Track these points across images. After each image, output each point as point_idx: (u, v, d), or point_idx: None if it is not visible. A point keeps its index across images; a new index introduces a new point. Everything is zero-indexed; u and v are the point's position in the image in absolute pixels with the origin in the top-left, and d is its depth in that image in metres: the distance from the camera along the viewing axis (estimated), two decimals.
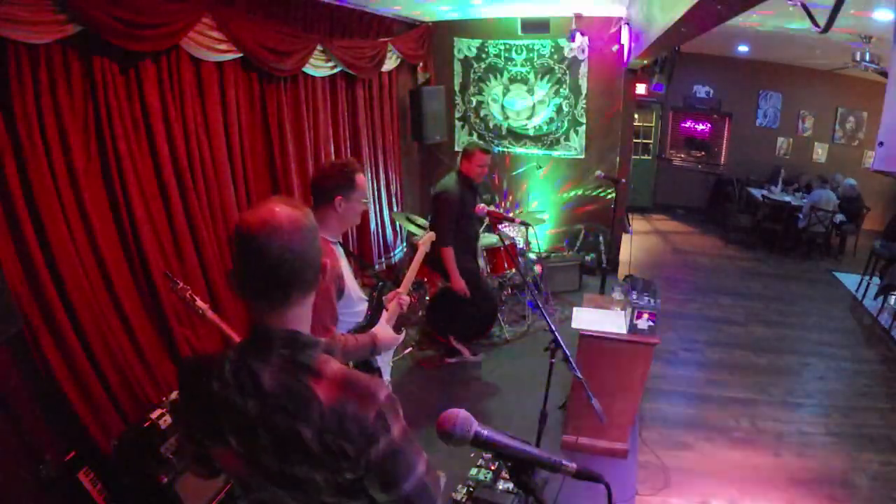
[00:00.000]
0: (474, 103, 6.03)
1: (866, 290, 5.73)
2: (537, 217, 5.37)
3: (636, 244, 6.38)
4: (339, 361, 1.03)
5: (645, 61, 5.23)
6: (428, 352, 4.26)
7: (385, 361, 2.28)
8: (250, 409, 0.98)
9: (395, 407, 0.99)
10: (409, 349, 4.29)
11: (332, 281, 1.91)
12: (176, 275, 2.95)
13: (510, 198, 6.09)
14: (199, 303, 2.20)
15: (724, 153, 9.09)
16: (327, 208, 1.95)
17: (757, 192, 7.90)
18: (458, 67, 5.93)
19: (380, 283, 2.26)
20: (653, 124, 9.15)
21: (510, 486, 2.62)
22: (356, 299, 2.09)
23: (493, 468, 2.82)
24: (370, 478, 0.97)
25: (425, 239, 2.64)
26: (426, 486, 1.02)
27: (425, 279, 4.60)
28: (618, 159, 5.67)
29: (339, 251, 2.04)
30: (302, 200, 2.21)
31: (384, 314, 2.19)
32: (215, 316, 2.22)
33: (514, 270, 4.82)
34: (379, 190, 5.33)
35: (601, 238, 5.74)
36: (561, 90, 5.67)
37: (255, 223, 0.95)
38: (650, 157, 9.32)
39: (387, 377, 2.31)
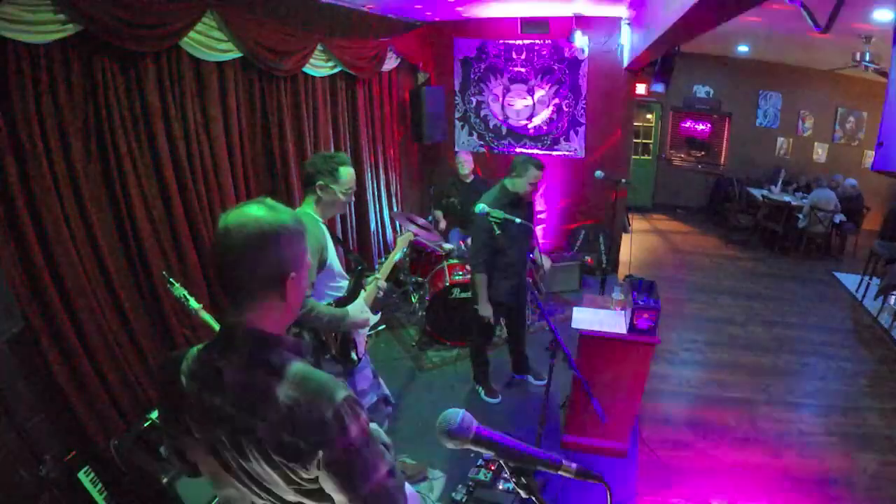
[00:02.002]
0: (474, 103, 6.03)
1: (866, 290, 5.73)
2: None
3: (636, 244, 6.38)
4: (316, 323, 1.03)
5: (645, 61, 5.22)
6: (428, 352, 4.26)
7: (361, 335, 2.44)
8: (212, 404, 1.01)
9: (355, 408, 0.98)
10: (383, 327, 4.53)
11: (315, 253, 2.09)
12: (176, 274, 2.95)
13: None
14: (193, 302, 2.22)
15: (724, 153, 9.10)
16: (310, 194, 2.17)
17: (757, 192, 7.90)
18: (458, 67, 5.93)
19: (359, 267, 2.42)
20: (653, 124, 9.16)
21: (510, 486, 2.62)
22: (337, 275, 2.27)
23: (493, 468, 2.83)
24: (327, 478, 0.97)
25: (404, 237, 2.80)
26: (387, 490, 1.00)
27: (426, 279, 4.59)
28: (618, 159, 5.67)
29: (324, 229, 2.21)
30: (302, 199, 2.25)
31: (362, 293, 2.36)
32: (208, 315, 2.23)
33: None
34: (379, 190, 5.34)
35: (601, 238, 5.74)
36: (561, 90, 5.67)
37: (227, 222, 0.98)
38: (650, 157, 9.33)
39: (361, 349, 2.45)
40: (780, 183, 7.91)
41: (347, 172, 2.18)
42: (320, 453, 0.94)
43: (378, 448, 1.02)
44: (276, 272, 1.00)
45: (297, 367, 1.00)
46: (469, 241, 4.63)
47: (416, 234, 4.04)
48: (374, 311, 2.40)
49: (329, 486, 0.98)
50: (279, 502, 1.05)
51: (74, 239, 2.41)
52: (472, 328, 3.57)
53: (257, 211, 1.00)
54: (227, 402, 0.99)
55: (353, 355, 2.39)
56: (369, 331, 2.59)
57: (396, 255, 2.65)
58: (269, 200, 1.04)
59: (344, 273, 2.35)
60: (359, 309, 2.29)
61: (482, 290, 3.25)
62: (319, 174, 2.12)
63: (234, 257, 0.97)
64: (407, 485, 1.15)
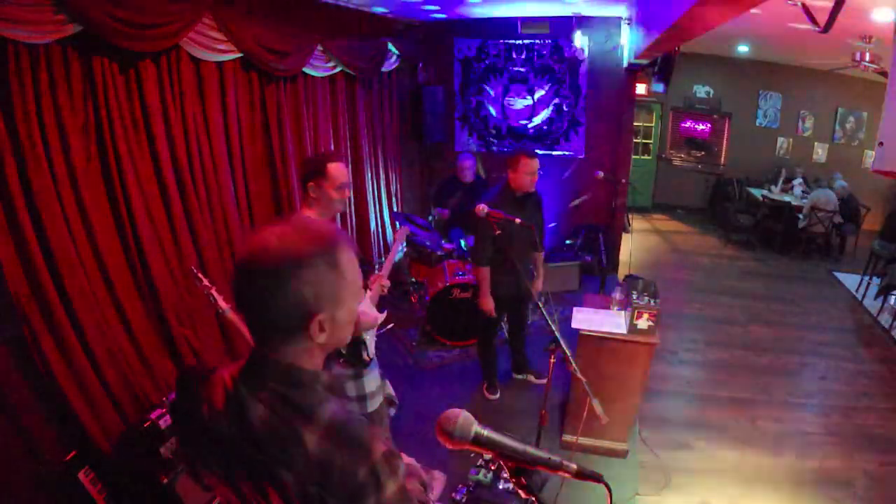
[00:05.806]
0: (474, 103, 6.03)
1: (866, 290, 5.73)
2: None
3: (636, 244, 6.38)
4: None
5: (645, 61, 5.22)
6: (428, 352, 4.26)
7: (371, 335, 2.44)
8: (236, 441, 0.94)
9: (393, 462, 0.90)
10: (391, 325, 4.38)
11: None
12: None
13: None
14: (221, 302, 2.16)
15: (724, 153, 9.09)
16: (306, 195, 2.17)
17: (757, 192, 7.90)
18: (458, 67, 5.94)
19: (362, 266, 2.33)
20: (653, 124, 9.16)
21: (510, 486, 2.62)
22: None
23: (493, 468, 2.83)
24: None
25: (399, 232, 2.80)
26: None
27: (425, 280, 4.59)
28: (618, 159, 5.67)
29: None
30: (303, 199, 2.24)
31: (367, 294, 2.33)
32: (236, 317, 2.19)
33: None
34: (379, 190, 5.34)
35: (601, 238, 5.74)
36: (561, 90, 5.67)
37: (244, 253, 0.89)
38: (650, 157, 9.33)
39: (372, 350, 2.44)
40: (780, 183, 7.92)
41: (335, 167, 2.15)
42: None
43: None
44: (297, 311, 0.88)
45: (331, 410, 0.92)
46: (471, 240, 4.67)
47: (413, 232, 4.05)
48: (380, 310, 2.39)
49: None
50: None
51: (74, 239, 2.41)
52: (476, 326, 3.59)
53: (276, 237, 0.88)
54: (252, 442, 0.91)
55: (365, 356, 2.38)
56: (378, 330, 2.56)
57: (398, 253, 2.65)
58: (297, 219, 0.93)
59: None
60: (366, 308, 2.27)
61: (485, 284, 3.31)
62: (309, 174, 2.13)
63: (251, 292, 0.88)
64: None
